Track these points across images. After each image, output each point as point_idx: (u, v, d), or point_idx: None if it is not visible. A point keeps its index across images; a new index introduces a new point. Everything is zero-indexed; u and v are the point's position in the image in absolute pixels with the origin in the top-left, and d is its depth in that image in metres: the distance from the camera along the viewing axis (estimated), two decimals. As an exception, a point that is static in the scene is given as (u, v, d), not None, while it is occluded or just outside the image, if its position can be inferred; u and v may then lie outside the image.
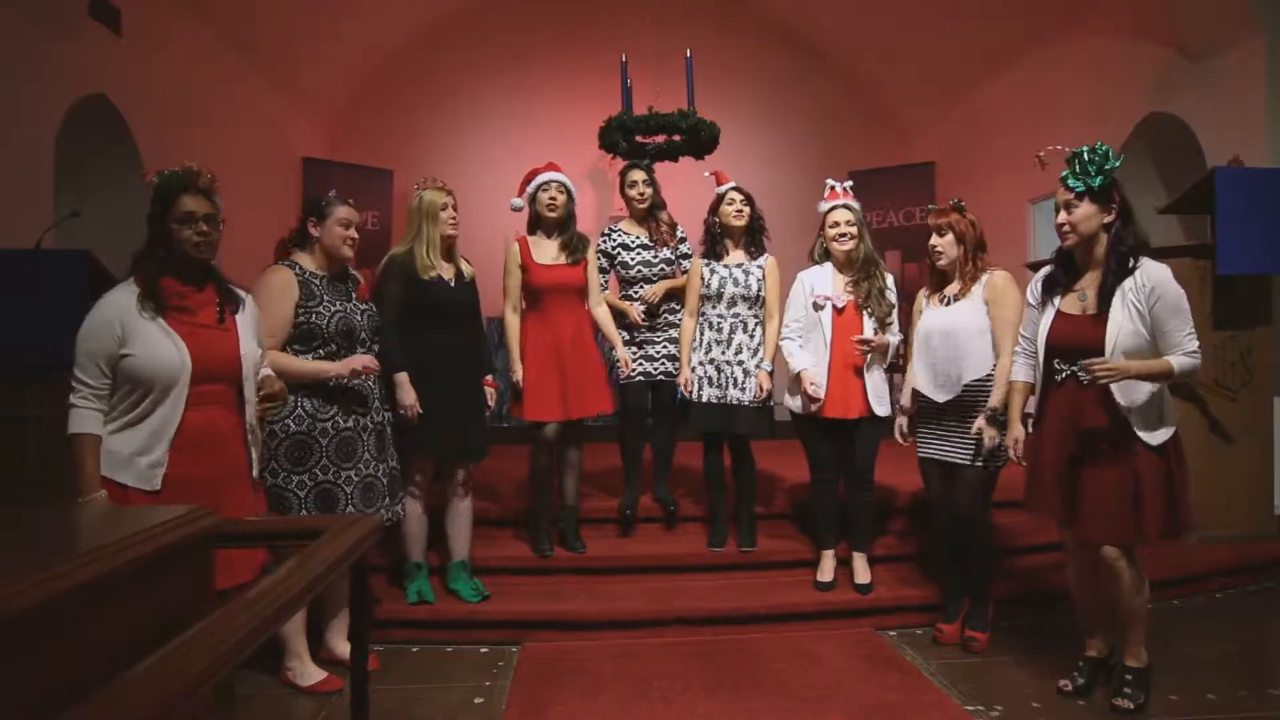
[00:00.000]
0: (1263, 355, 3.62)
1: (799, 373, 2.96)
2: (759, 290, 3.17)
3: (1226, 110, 4.14)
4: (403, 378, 2.70)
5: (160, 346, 1.90)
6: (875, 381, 2.94)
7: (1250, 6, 3.94)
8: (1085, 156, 2.18)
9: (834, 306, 2.97)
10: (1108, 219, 2.19)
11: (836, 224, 2.97)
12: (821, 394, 2.91)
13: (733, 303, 3.17)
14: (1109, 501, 2.16)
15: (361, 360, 2.46)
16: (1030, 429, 2.41)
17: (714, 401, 3.16)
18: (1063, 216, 2.22)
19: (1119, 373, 2.08)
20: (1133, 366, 2.09)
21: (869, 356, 2.92)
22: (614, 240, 3.46)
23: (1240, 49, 4.06)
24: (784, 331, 3.10)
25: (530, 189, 3.20)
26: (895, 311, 2.98)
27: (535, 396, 3.06)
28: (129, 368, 1.88)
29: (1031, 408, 2.43)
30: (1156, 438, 2.15)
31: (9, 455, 2.80)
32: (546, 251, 3.17)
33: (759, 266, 3.20)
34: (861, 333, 2.92)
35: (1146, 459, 2.14)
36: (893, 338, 2.94)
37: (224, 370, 2.03)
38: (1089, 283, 2.24)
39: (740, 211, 3.20)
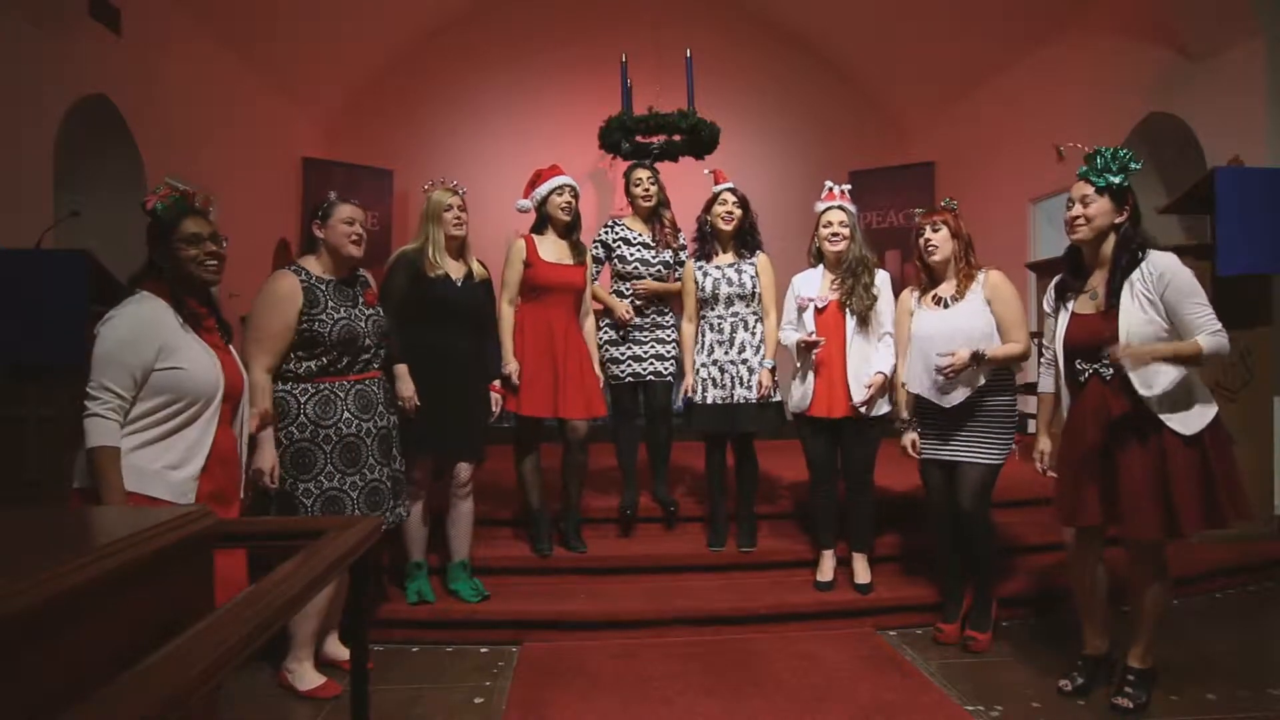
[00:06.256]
0: (1263, 355, 3.61)
1: (796, 341, 2.96)
2: (753, 287, 3.17)
3: (1226, 110, 4.14)
4: (402, 369, 2.70)
5: (203, 361, 1.95)
6: (859, 380, 2.92)
7: (1250, 6, 3.94)
8: (1108, 155, 2.19)
9: (815, 307, 2.98)
10: (1119, 219, 2.20)
11: (829, 224, 2.98)
12: (818, 338, 2.92)
13: (730, 302, 3.17)
14: (1144, 496, 2.13)
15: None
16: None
17: (719, 403, 3.15)
18: (1077, 210, 2.22)
19: (1146, 355, 2.06)
20: (1160, 349, 2.07)
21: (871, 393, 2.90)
22: (616, 233, 3.46)
23: (1240, 49, 4.06)
24: (780, 334, 3.12)
25: (542, 191, 3.20)
26: (879, 305, 2.94)
27: (531, 391, 3.06)
28: (172, 380, 1.88)
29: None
30: (1189, 426, 2.10)
31: (9, 455, 2.80)
32: (552, 250, 3.18)
33: (751, 264, 3.20)
34: (845, 329, 2.93)
35: (1178, 449, 2.10)
36: (885, 365, 2.90)
37: (237, 389, 2.08)
38: (1099, 281, 2.25)
39: (730, 214, 3.19)
